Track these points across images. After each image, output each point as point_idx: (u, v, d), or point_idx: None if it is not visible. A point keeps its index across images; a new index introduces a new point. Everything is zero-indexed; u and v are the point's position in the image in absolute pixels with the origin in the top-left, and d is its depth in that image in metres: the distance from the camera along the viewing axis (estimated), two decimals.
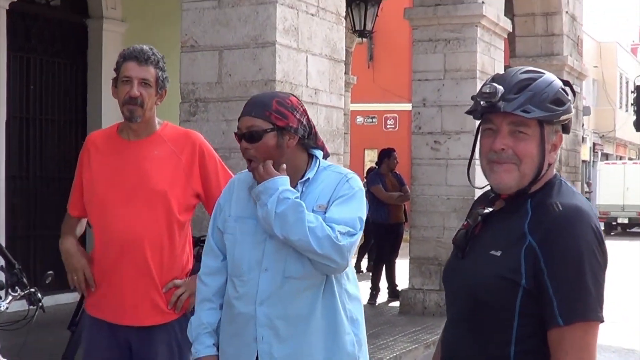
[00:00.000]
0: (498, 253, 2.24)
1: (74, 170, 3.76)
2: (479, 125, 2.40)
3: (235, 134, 3.00)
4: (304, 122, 2.99)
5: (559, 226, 2.18)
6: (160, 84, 3.56)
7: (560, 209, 2.21)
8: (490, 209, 2.37)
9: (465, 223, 2.43)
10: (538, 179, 2.30)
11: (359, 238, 2.97)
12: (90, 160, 3.63)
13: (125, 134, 3.64)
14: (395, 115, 24.90)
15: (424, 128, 10.05)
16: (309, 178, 3.00)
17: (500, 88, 2.28)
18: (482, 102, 2.31)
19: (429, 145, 9.98)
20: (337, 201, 2.96)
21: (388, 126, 25.27)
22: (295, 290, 2.94)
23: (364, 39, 16.13)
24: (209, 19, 5.94)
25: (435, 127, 9.99)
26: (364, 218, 3.01)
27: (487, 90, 2.29)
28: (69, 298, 7.88)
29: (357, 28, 14.66)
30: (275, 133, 2.93)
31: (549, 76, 2.33)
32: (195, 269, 3.70)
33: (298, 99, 3.04)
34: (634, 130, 24.72)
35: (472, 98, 2.40)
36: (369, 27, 14.75)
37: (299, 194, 2.94)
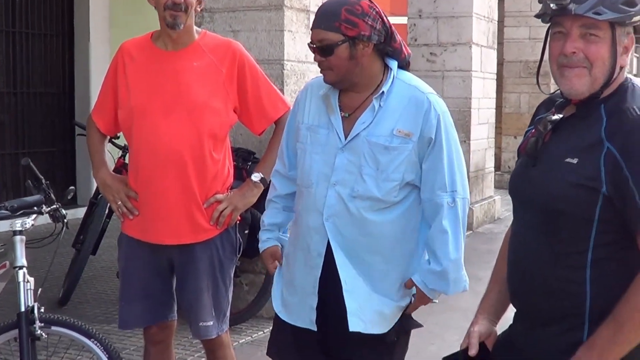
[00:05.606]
0: (574, 160, 2.17)
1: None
2: (548, 29, 2.31)
3: (309, 45, 2.87)
4: (378, 27, 2.81)
5: None
6: None
7: (639, 113, 2.14)
8: (561, 116, 2.30)
9: (533, 130, 2.36)
10: (610, 83, 2.23)
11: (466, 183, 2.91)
12: (126, 71, 3.46)
13: (162, 43, 3.47)
14: None
15: (420, 40, 9.92)
16: (383, 92, 2.85)
17: None
18: (552, 5, 2.21)
19: (425, 57, 9.86)
20: (430, 156, 2.83)
21: None
22: (364, 210, 2.84)
23: None
24: None
25: (431, 39, 9.87)
26: (462, 155, 2.93)
27: None
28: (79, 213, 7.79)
29: None
30: (347, 45, 2.78)
31: None
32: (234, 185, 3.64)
33: (370, 2, 2.84)
34: None
35: (541, 1, 2.29)
36: None
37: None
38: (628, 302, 2.08)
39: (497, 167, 13.24)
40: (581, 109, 2.27)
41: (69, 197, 3.91)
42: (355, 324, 2.86)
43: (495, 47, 10.66)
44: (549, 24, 2.31)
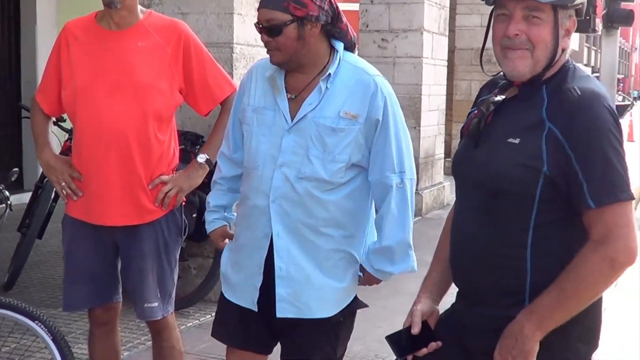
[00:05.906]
0: (516, 141, 2.21)
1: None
2: (492, 11, 2.33)
3: (256, 25, 2.84)
4: (325, 7, 2.80)
5: (581, 111, 2.15)
6: None
7: (579, 93, 2.18)
8: (503, 97, 2.33)
9: (476, 112, 2.39)
10: (552, 65, 2.26)
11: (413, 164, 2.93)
12: (70, 51, 3.42)
13: (105, 23, 3.43)
14: None
15: (371, 26, 9.94)
16: (330, 74, 2.84)
17: None
18: None
19: (376, 43, 9.89)
20: (378, 138, 2.83)
21: None
22: (311, 191, 2.83)
23: None
24: None
25: (382, 25, 9.89)
26: (409, 136, 2.94)
27: None
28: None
29: None
30: (295, 25, 2.77)
31: None
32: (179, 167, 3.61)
33: None
34: None
35: None
36: None
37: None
38: (573, 273, 2.13)
39: (447, 153, 13.33)
40: (523, 91, 2.30)
41: (13, 179, 3.87)
42: (285, 310, 2.87)
43: (447, 34, 10.72)
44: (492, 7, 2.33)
